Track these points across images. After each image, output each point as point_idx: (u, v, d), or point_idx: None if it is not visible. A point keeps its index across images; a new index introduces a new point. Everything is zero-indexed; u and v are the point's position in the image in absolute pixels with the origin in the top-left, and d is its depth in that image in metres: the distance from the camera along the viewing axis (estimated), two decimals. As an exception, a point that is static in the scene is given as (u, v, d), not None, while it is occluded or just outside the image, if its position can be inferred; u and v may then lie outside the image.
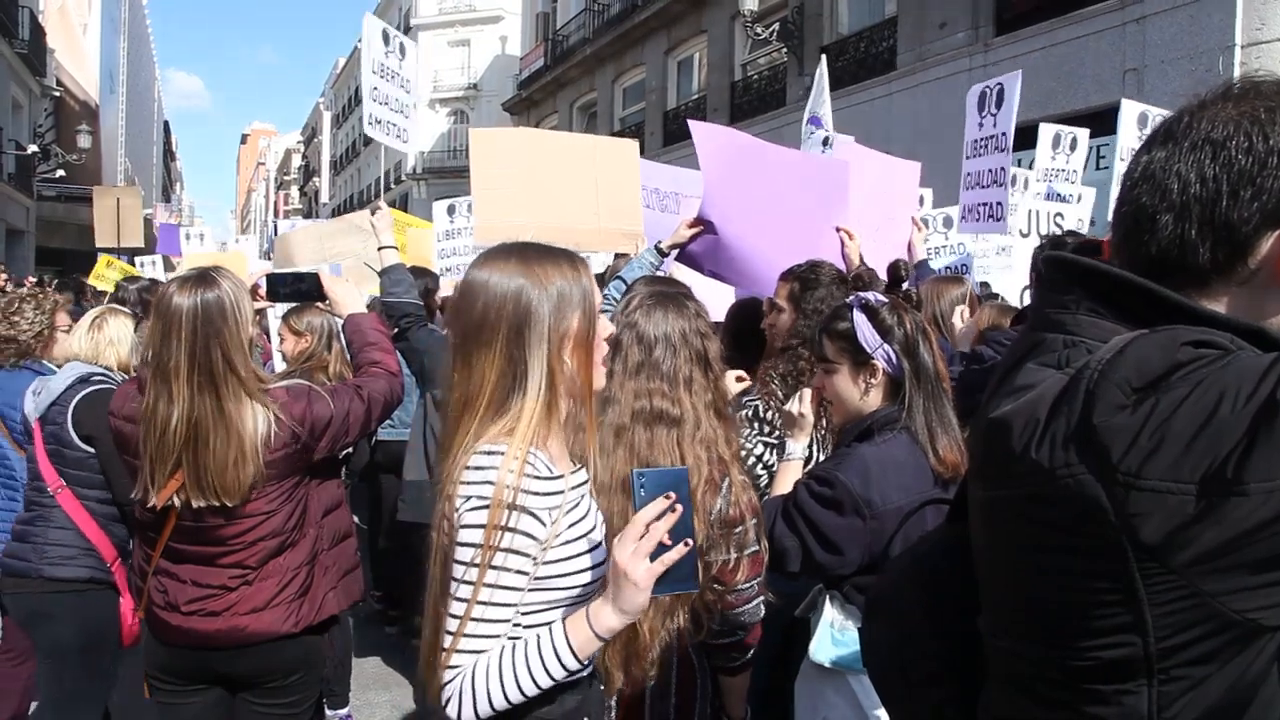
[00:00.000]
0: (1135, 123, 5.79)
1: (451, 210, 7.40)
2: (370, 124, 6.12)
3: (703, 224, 4.10)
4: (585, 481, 1.77)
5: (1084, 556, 1.00)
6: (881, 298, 2.61)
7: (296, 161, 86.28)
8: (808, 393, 2.73)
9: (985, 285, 6.31)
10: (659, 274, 3.78)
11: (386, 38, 6.70)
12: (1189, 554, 0.93)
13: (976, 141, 5.84)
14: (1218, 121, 1.07)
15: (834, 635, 2.41)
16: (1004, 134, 5.60)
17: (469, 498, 1.55)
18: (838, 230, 4.39)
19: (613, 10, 24.90)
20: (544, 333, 1.65)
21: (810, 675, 2.53)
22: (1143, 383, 0.97)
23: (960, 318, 4.20)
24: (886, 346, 2.50)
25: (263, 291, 3.18)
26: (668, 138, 21.75)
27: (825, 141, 6.45)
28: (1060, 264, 1.19)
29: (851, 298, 2.63)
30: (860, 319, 2.53)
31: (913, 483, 2.41)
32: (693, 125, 4.31)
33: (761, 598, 2.35)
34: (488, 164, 4.67)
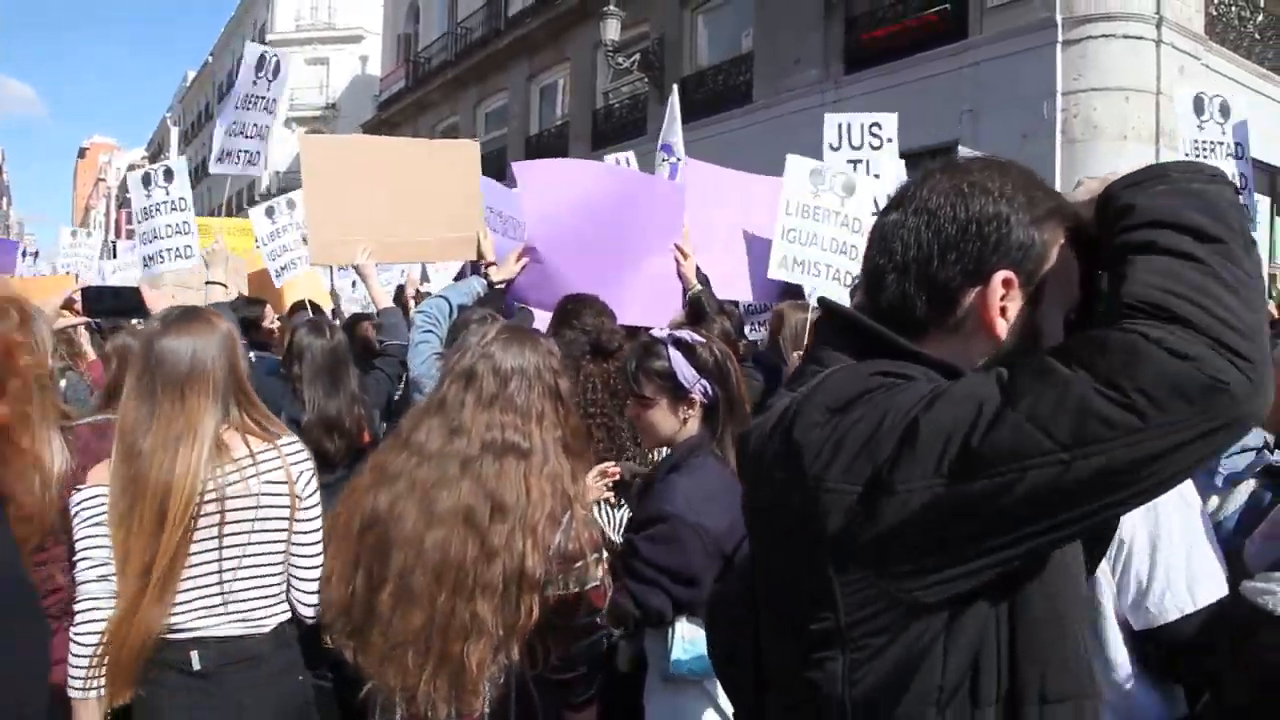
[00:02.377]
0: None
1: (271, 212, 7.05)
2: (218, 160, 6.12)
3: (529, 254, 4.14)
4: None
5: (795, 551, 1.21)
6: (694, 334, 2.71)
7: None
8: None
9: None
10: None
11: (261, 62, 6.63)
12: (860, 543, 1.12)
13: (806, 207, 5.46)
14: (934, 192, 1.28)
15: (685, 646, 2.44)
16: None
17: None
18: (675, 247, 4.49)
19: (475, 34, 24.78)
20: None
21: (663, 690, 2.56)
22: (836, 405, 1.16)
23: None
24: (703, 381, 2.60)
25: (78, 306, 2.98)
26: (531, 163, 21.75)
27: (674, 167, 6.60)
28: (823, 306, 1.42)
29: (664, 334, 2.71)
30: (677, 357, 2.60)
31: (734, 501, 2.47)
32: (515, 167, 4.34)
33: (603, 632, 2.35)
34: (320, 175, 4.36)
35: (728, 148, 15.04)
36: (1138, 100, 11.18)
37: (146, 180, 6.55)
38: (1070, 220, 1.26)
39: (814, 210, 5.12)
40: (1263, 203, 7.55)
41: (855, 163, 5.93)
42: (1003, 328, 1.23)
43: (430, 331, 3.71)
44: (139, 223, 6.45)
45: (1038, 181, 1.30)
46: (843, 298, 4.20)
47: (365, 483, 2.28)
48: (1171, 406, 0.98)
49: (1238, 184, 6.58)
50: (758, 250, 5.20)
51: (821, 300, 1.43)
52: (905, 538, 1.09)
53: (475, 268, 4.63)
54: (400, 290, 6.49)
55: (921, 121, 12.54)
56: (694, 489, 2.44)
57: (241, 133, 6.63)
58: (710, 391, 2.60)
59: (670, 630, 2.49)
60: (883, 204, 1.42)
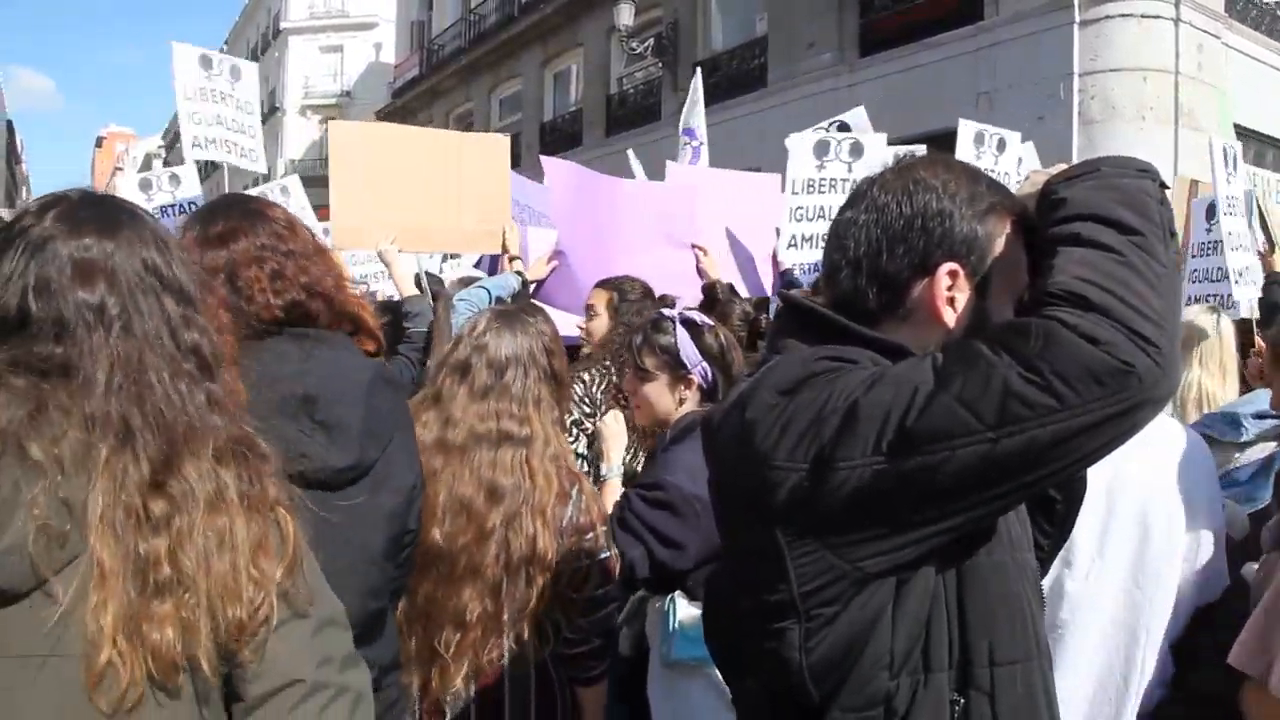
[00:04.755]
0: (972, 142, 6.05)
1: (208, 64, 6.56)
2: (194, 147, 5.84)
3: (557, 257, 4.22)
4: None
5: (751, 525, 1.28)
6: (704, 317, 2.74)
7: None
8: (618, 413, 2.88)
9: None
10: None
11: (209, 63, 6.35)
12: (807, 518, 1.20)
13: (812, 181, 5.34)
14: (884, 190, 1.37)
15: (685, 632, 2.47)
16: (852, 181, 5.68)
17: None
18: (693, 247, 4.56)
19: (489, 21, 24.73)
20: None
21: (665, 677, 2.58)
22: (785, 387, 1.25)
23: None
24: (704, 364, 2.63)
25: None
26: (544, 149, 21.69)
27: (697, 151, 6.62)
28: (782, 298, 1.51)
29: (674, 312, 2.74)
30: (683, 335, 2.64)
31: None
32: (546, 163, 4.39)
33: (615, 604, 2.39)
34: (347, 161, 4.42)
35: (741, 132, 15.02)
36: (1156, 80, 11.08)
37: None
38: (1017, 213, 1.35)
39: (819, 183, 5.13)
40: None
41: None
42: (950, 316, 1.32)
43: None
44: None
45: (982, 177, 1.38)
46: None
47: None
48: (1085, 389, 1.06)
49: None
50: (745, 244, 5.24)
51: (781, 293, 1.54)
52: (848, 512, 1.17)
53: (495, 262, 4.70)
54: (418, 277, 6.50)
55: (937, 105, 12.48)
56: (695, 462, 2.48)
57: (218, 123, 6.32)
58: (710, 376, 2.64)
59: (669, 615, 2.52)
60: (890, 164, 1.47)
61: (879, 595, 1.21)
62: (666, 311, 2.77)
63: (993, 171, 5.46)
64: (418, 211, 4.48)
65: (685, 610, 2.50)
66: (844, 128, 5.87)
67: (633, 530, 2.47)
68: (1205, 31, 11.51)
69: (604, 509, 2.39)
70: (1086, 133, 11.03)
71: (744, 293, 5.37)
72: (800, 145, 5.21)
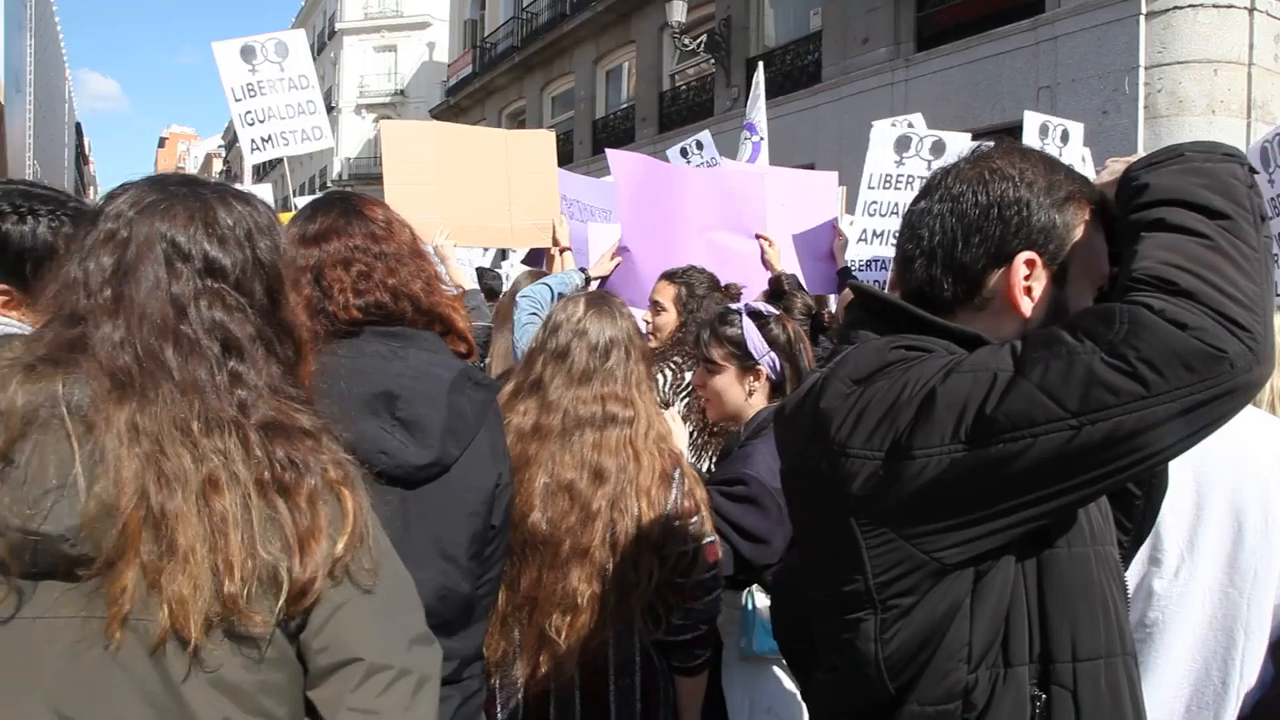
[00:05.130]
0: (1037, 133, 5.94)
1: (249, 54, 6.52)
2: (253, 150, 5.77)
3: (621, 253, 4.21)
4: None
5: (825, 515, 1.27)
6: (770, 308, 2.75)
7: (218, 166, 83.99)
8: (674, 411, 2.89)
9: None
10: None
11: (251, 53, 6.23)
12: (883, 507, 1.18)
13: (889, 177, 5.24)
14: (959, 179, 1.35)
15: (765, 625, 2.46)
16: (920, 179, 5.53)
17: None
18: (758, 237, 4.52)
19: (541, 19, 24.86)
20: None
21: (740, 669, 2.59)
22: (859, 376, 1.24)
23: None
24: (772, 354, 2.63)
25: None
26: (596, 147, 21.78)
27: (757, 146, 6.59)
28: (854, 289, 1.48)
29: (740, 305, 2.74)
30: (750, 326, 2.64)
31: None
32: (610, 155, 4.39)
33: (719, 591, 2.36)
34: (400, 159, 4.52)
35: (797, 129, 14.93)
36: (1228, 72, 10.75)
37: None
38: (1095, 202, 1.33)
39: (896, 179, 5.05)
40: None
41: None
42: (1028, 306, 1.30)
43: (535, 314, 3.79)
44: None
45: (1060, 166, 1.36)
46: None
47: None
48: (1173, 374, 1.03)
49: None
50: (804, 239, 5.19)
51: (852, 284, 1.51)
52: (926, 501, 1.16)
53: (543, 255, 4.73)
54: (481, 272, 6.57)
55: (996, 100, 12.29)
56: (774, 457, 2.48)
57: (270, 118, 6.17)
58: (778, 367, 2.64)
59: (748, 607, 2.51)
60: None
61: (957, 586, 1.19)
62: (733, 305, 2.77)
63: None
64: (469, 207, 4.56)
65: (764, 602, 2.50)
66: (939, 146, 5.77)
67: (716, 527, 2.45)
68: None
69: (704, 493, 2.38)
70: (1152, 128, 10.74)
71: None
72: (882, 137, 5.13)
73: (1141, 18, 10.88)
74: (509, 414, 2.28)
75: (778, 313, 2.75)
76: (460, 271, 4.59)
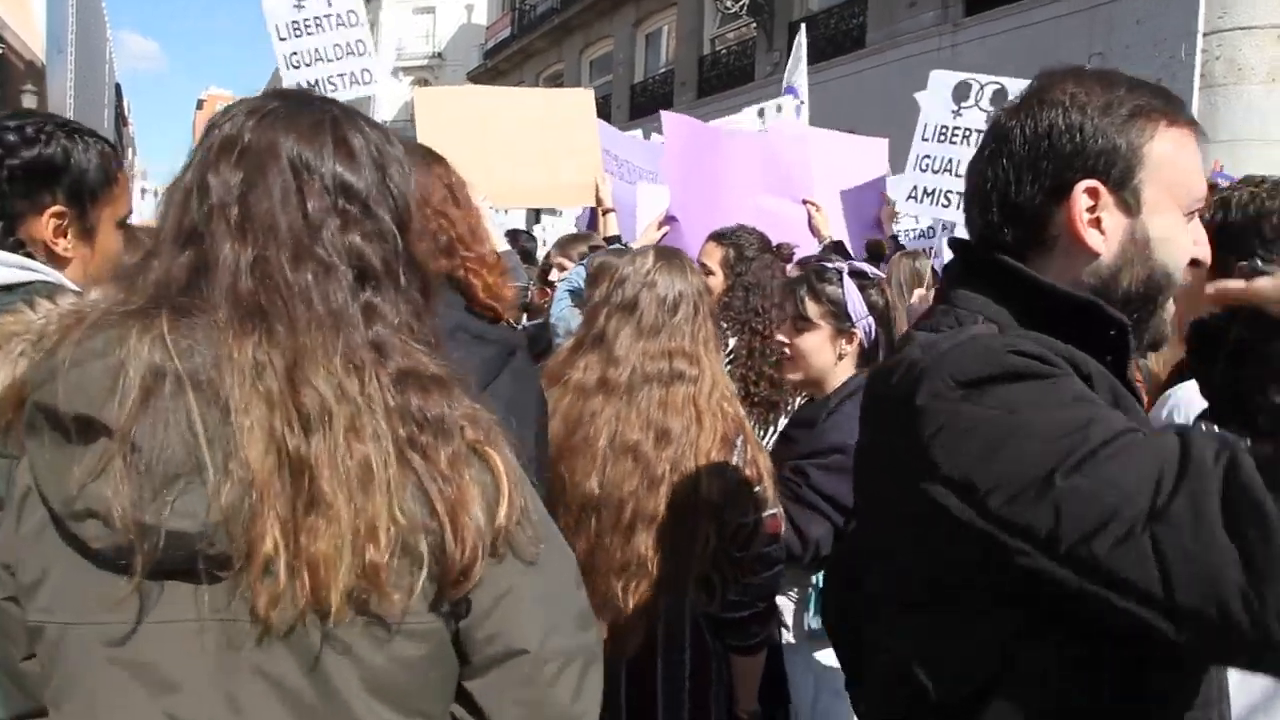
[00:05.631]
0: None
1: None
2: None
3: (669, 223, 4.11)
4: None
5: (904, 494, 1.12)
6: (874, 270, 2.66)
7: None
8: None
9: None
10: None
11: None
12: (950, 527, 1.04)
13: (945, 129, 5.20)
14: (1009, 116, 1.25)
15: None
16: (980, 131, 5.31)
17: None
18: (805, 203, 4.41)
19: (581, -20, 24.59)
20: None
21: (807, 649, 2.51)
22: (965, 379, 1.07)
23: (917, 297, 4.20)
24: (870, 319, 2.53)
25: None
26: (634, 111, 21.56)
27: (799, 110, 6.42)
28: (952, 243, 1.36)
29: (843, 264, 2.64)
30: (851, 286, 2.53)
31: None
32: (665, 117, 4.29)
33: (781, 566, 2.26)
34: (435, 126, 4.46)
35: (840, 95, 14.62)
36: (1290, 39, 10.36)
37: None
38: (1169, 114, 1.19)
39: (953, 132, 4.79)
40: None
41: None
42: (1097, 240, 1.18)
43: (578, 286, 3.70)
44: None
45: (1121, 81, 1.21)
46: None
47: None
48: None
49: None
50: (851, 205, 5.05)
51: (951, 240, 1.38)
52: (980, 546, 1.03)
53: (594, 216, 4.65)
54: (513, 234, 6.44)
55: (1046, 66, 11.92)
56: None
57: (318, 60, 5.87)
58: (872, 333, 2.54)
59: (813, 588, 2.43)
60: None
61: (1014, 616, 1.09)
62: (834, 262, 2.67)
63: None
64: (509, 167, 4.48)
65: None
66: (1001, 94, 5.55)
67: (811, 504, 2.35)
68: (1348, -15, 10.69)
69: (768, 461, 2.27)
70: (1208, 96, 10.38)
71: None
72: (940, 84, 4.86)
73: (1203, -19, 10.49)
74: (569, 370, 2.21)
75: (881, 275, 2.67)
76: (495, 234, 4.53)
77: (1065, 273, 1.20)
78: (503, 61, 29.14)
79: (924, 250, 4.93)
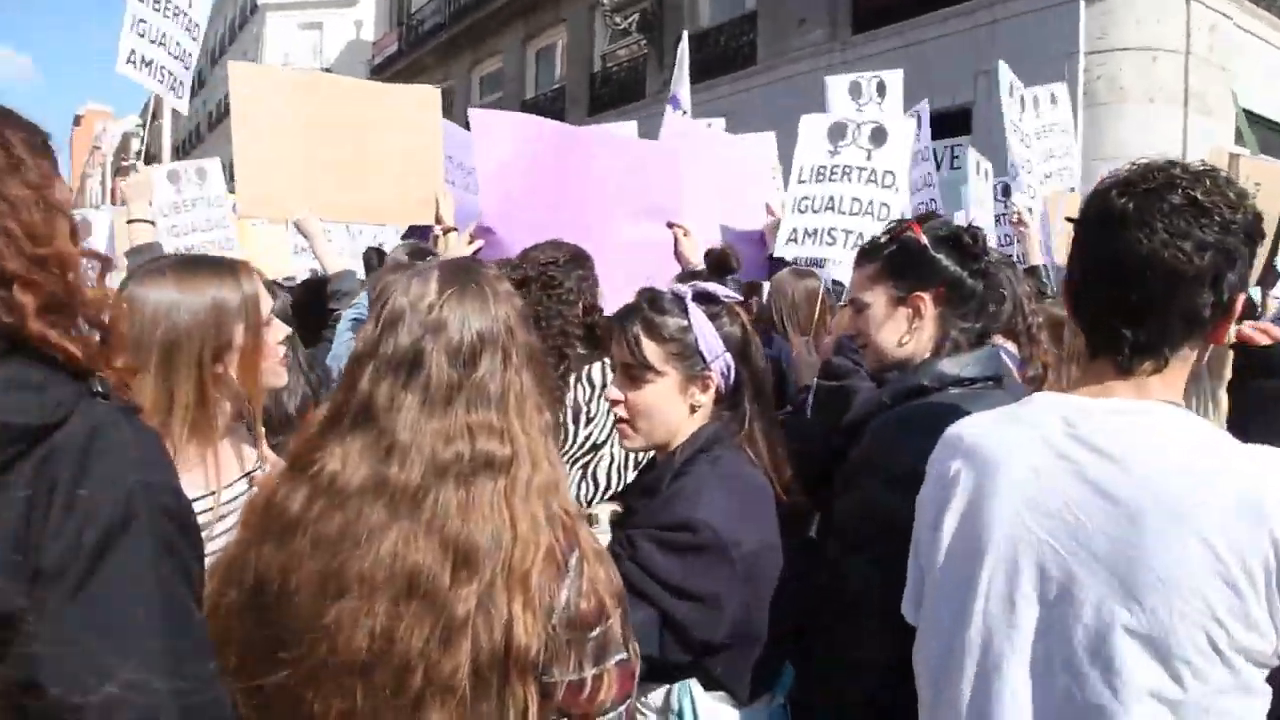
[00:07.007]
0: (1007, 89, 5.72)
1: (175, 177, 5.98)
2: (127, 62, 4.96)
3: (481, 235, 3.53)
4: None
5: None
6: (726, 290, 2.00)
7: (136, 146, 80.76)
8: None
9: (839, 284, 5.89)
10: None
11: None
12: None
13: (824, 168, 4.75)
14: None
15: None
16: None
17: None
18: (670, 227, 3.90)
19: (470, -5, 24.04)
20: (195, 353, 1.74)
21: None
22: None
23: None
24: (726, 355, 1.91)
25: None
26: (526, 129, 21.08)
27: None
28: None
29: (684, 287, 1.97)
30: (699, 317, 1.90)
31: (766, 511, 1.84)
32: (473, 115, 3.74)
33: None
34: (253, 113, 3.65)
35: (730, 112, 14.40)
36: (1166, 61, 10.54)
37: (174, 177, 6.16)
38: None
39: (831, 171, 4.43)
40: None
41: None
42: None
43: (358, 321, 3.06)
44: (164, 216, 5.95)
45: None
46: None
47: (245, 531, 1.45)
48: None
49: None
50: (742, 220, 4.63)
51: None
52: None
53: (426, 230, 4.02)
54: (370, 253, 5.73)
55: (933, 84, 11.90)
56: (730, 494, 1.80)
57: (162, 43, 5.50)
58: (728, 370, 1.92)
59: (682, 711, 1.76)
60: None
61: None
62: (678, 287, 1.98)
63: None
64: (339, 175, 3.73)
65: (706, 703, 1.75)
66: (882, 87, 5.34)
67: (636, 589, 1.68)
68: (1217, 11, 10.98)
69: (615, 580, 1.48)
70: (1091, 115, 10.48)
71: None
72: (813, 126, 4.50)
73: (1082, 2, 10.63)
74: (321, 457, 1.40)
75: (737, 296, 2.01)
76: (328, 252, 3.87)
77: None
78: (390, 77, 28.26)
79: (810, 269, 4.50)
